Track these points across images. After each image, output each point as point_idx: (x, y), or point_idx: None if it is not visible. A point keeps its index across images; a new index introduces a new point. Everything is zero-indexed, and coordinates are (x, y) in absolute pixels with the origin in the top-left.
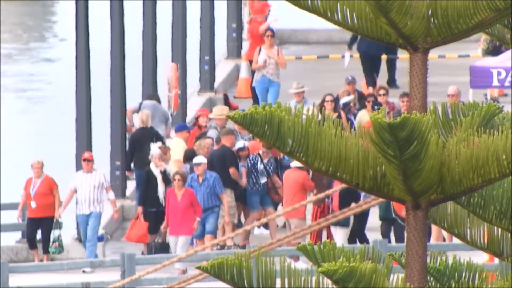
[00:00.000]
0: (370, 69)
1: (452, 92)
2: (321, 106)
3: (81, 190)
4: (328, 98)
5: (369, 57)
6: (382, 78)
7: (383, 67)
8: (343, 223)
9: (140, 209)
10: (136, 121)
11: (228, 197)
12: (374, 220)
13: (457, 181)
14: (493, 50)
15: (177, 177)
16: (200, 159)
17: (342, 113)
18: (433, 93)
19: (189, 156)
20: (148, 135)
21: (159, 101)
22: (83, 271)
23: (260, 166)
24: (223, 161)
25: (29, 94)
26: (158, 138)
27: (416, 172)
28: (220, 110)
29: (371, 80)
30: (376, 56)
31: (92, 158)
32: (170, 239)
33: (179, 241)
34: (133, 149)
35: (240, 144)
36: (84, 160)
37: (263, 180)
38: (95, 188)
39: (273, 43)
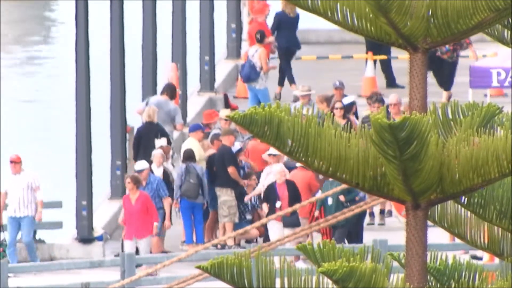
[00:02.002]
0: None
1: (393, 101)
2: (331, 111)
3: (11, 192)
4: (338, 105)
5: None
6: (381, 79)
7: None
8: (294, 224)
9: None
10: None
11: (228, 197)
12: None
13: (457, 181)
14: (430, 57)
15: (128, 180)
16: (142, 165)
17: (352, 118)
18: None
19: (187, 156)
20: (153, 130)
21: (172, 96)
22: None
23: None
24: (222, 160)
25: (29, 94)
26: (163, 134)
27: (416, 172)
28: (228, 112)
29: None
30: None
31: (20, 160)
32: (126, 243)
33: (140, 244)
34: (138, 144)
35: (237, 146)
36: (11, 162)
37: (249, 216)
38: (25, 190)
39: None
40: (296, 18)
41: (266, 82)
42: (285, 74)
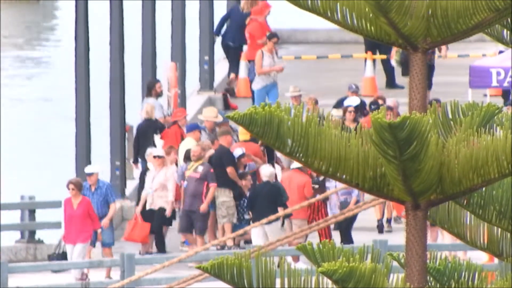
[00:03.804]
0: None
1: (391, 105)
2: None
3: None
4: (351, 108)
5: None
6: (381, 79)
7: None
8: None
9: (138, 209)
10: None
11: (226, 197)
12: (373, 219)
13: (456, 181)
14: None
15: (71, 186)
16: (92, 168)
17: (363, 120)
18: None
19: (187, 156)
20: (152, 127)
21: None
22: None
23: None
24: (220, 161)
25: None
26: (162, 130)
27: (416, 172)
28: (210, 112)
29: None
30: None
31: None
32: (67, 247)
33: (75, 249)
34: (138, 141)
35: (238, 151)
36: None
37: (248, 216)
38: None
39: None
40: (247, 15)
41: (263, 82)
42: (231, 67)
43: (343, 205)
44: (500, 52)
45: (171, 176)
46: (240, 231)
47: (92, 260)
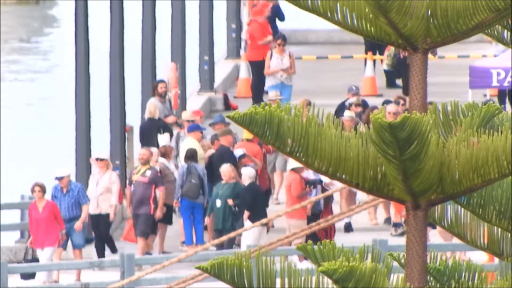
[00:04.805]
0: None
1: (393, 111)
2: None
3: None
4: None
5: None
6: (381, 79)
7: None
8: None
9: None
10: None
11: None
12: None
13: (457, 181)
14: (397, 65)
15: (37, 188)
16: (62, 172)
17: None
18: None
19: (189, 156)
20: (155, 126)
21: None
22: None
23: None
24: (221, 160)
25: (29, 94)
26: (165, 129)
27: (416, 172)
28: (189, 115)
29: None
30: None
31: None
32: (38, 251)
33: (43, 253)
34: (142, 140)
35: (239, 152)
36: None
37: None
38: None
39: (285, 49)
40: None
41: (270, 82)
42: None
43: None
44: (496, 55)
45: (116, 180)
46: (240, 230)
47: (92, 260)
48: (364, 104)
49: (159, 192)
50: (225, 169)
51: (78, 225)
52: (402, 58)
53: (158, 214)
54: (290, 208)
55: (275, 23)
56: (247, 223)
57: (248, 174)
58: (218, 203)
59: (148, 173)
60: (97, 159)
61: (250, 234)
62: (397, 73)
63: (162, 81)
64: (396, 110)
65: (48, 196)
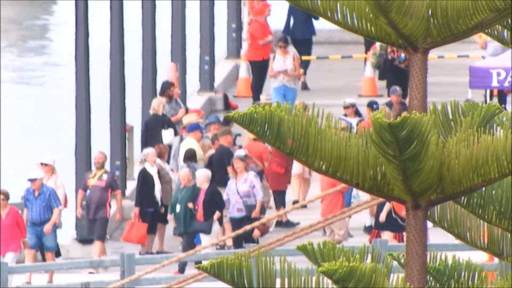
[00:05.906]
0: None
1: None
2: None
3: None
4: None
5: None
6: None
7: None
8: (205, 230)
9: (136, 210)
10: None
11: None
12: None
13: (457, 181)
14: (383, 67)
15: (1, 196)
16: (36, 174)
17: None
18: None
19: (188, 156)
20: (159, 122)
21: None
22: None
23: None
24: (221, 160)
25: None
26: (169, 125)
27: (416, 172)
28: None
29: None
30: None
31: None
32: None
33: (5, 259)
34: (146, 136)
35: (241, 152)
36: None
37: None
38: None
39: (288, 50)
40: None
41: (273, 84)
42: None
43: (249, 208)
44: (483, 57)
45: (61, 184)
46: (240, 231)
47: (92, 260)
48: (402, 105)
49: (117, 196)
50: (183, 173)
51: (47, 228)
52: (390, 59)
53: (118, 216)
54: (290, 208)
55: (311, 21)
56: (216, 225)
57: (202, 175)
58: (178, 208)
59: (105, 177)
60: (42, 164)
61: (209, 237)
62: (381, 75)
63: (173, 84)
64: (388, 113)
65: (18, 199)
